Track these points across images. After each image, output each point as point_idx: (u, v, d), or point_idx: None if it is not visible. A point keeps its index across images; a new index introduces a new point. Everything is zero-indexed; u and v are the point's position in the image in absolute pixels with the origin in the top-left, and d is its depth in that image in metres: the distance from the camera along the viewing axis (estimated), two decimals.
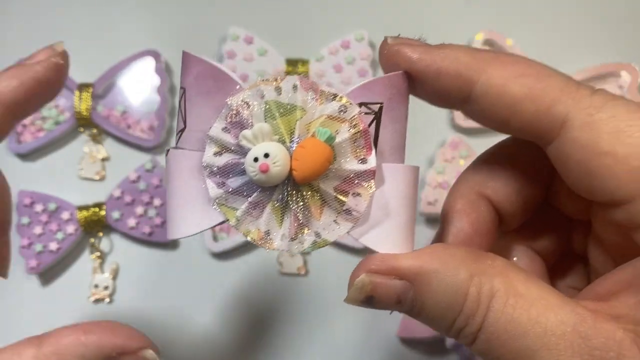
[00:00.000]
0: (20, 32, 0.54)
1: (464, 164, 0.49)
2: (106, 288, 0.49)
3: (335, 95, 0.23)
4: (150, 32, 0.54)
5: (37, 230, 0.48)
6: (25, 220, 0.49)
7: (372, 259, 0.23)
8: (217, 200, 0.23)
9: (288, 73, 0.51)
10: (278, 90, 0.23)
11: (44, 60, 0.26)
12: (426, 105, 0.55)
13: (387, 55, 0.24)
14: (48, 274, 0.50)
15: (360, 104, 0.24)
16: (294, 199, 0.22)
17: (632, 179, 0.20)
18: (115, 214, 0.49)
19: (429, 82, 0.23)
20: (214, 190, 0.23)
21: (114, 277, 0.50)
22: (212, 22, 0.54)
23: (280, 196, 0.22)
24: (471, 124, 0.51)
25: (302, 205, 0.22)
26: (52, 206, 0.49)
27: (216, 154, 0.23)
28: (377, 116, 0.24)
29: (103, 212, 0.49)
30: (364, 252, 0.50)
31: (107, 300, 0.49)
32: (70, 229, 0.49)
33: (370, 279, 0.22)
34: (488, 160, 0.27)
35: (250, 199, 0.23)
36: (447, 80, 0.23)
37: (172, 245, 0.50)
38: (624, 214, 0.21)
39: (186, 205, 0.23)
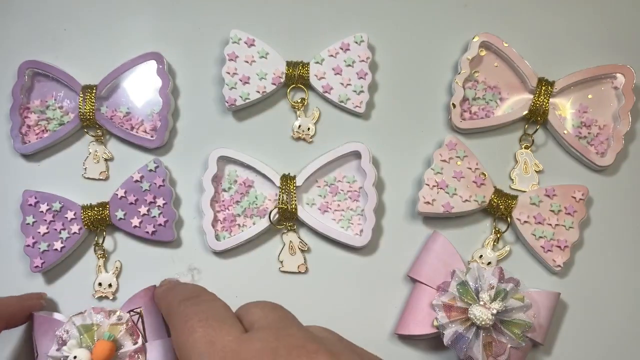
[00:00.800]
0: (24, 34, 0.55)
1: (461, 164, 0.50)
2: (110, 286, 0.50)
3: (115, 312, 0.45)
4: (152, 34, 0.55)
5: (42, 229, 0.49)
6: (30, 219, 0.49)
7: None
8: None
9: (288, 75, 0.52)
10: (83, 317, 0.45)
11: (36, 299, 0.48)
12: (424, 106, 0.56)
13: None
14: (52, 272, 0.51)
15: (129, 311, 0.45)
16: None
17: None
18: (119, 213, 0.49)
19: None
20: None
21: (118, 276, 0.51)
22: (213, 25, 0.55)
23: None
24: (468, 124, 0.52)
25: None
26: (56, 206, 0.49)
27: None
28: (140, 315, 0.45)
29: (107, 212, 0.50)
30: (364, 251, 0.51)
31: (111, 298, 0.50)
32: (75, 228, 0.49)
33: None
34: None
35: None
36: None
37: (175, 244, 0.51)
38: None
39: None
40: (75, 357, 0.42)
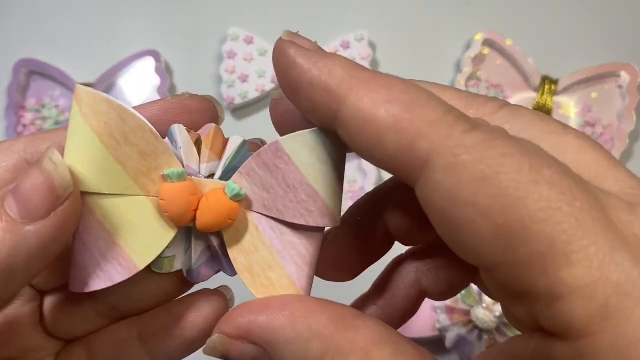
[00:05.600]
0: (22, 32, 0.54)
1: None
2: None
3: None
4: (150, 32, 0.55)
5: None
6: None
7: (227, 319, 0.21)
8: None
9: None
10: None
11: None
12: None
13: (275, 50, 0.21)
14: None
15: None
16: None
17: (495, 240, 0.16)
18: None
19: (300, 92, 0.19)
20: None
21: None
22: (212, 22, 0.54)
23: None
24: None
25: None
26: None
27: None
28: None
29: None
30: None
31: None
32: None
33: (222, 342, 0.21)
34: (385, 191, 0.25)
35: None
36: (316, 93, 0.19)
37: None
38: (492, 282, 0.17)
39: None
40: None
